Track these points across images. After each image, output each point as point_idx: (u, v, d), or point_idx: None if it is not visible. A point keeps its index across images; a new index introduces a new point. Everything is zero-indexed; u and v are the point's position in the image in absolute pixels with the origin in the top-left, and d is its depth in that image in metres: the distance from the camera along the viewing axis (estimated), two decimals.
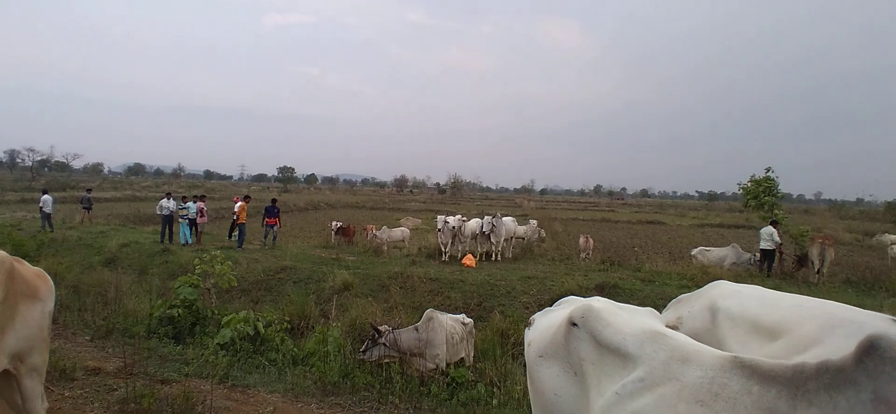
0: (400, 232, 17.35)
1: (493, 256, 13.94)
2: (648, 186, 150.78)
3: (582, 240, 15.52)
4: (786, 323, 2.08)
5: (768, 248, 12.41)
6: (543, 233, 17.76)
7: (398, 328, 5.35)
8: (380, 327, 5.33)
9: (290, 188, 74.05)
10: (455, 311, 7.05)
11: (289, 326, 6.91)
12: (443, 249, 13.56)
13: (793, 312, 2.12)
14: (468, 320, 5.72)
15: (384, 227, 17.64)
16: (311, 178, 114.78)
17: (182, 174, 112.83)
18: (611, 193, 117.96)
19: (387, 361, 5.15)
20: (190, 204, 15.42)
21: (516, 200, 66.87)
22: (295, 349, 6.20)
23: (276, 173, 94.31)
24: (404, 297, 9.26)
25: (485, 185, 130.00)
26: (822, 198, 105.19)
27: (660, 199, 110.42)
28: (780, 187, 13.93)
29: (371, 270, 11.10)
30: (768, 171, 13.97)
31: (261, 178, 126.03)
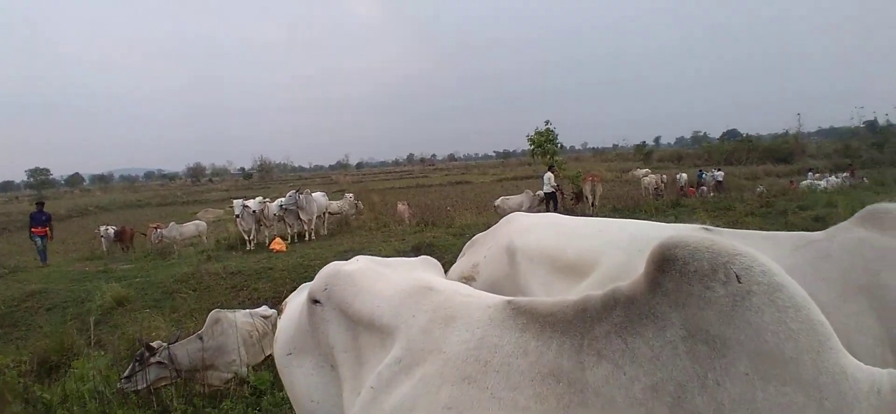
0: (193, 227, 15.07)
1: (307, 235, 13.01)
2: (455, 151, 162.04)
3: (400, 206, 15.62)
4: (590, 255, 1.80)
5: (549, 191, 14.13)
6: (361, 205, 17.34)
7: (178, 340, 4.35)
8: (152, 344, 4.26)
9: (48, 194, 59.18)
10: (261, 304, 6.21)
11: (38, 367, 5.31)
12: (246, 238, 12.12)
13: (594, 240, 1.86)
14: (270, 312, 4.96)
15: (172, 223, 15.11)
16: (74, 179, 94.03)
17: None
18: (423, 160, 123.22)
19: (165, 384, 4.13)
20: None
21: (332, 177, 65.03)
22: (46, 395, 4.70)
23: (26, 178, 74.77)
24: (199, 300, 7.89)
25: (297, 165, 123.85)
26: (588, 147, 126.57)
27: (465, 162, 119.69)
28: (558, 139, 15.96)
29: (153, 277, 9.28)
30: (548, 123, 15.89)
31: (7, 186, 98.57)
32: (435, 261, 1.92)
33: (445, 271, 2.13)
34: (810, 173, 20.77)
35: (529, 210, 14.41)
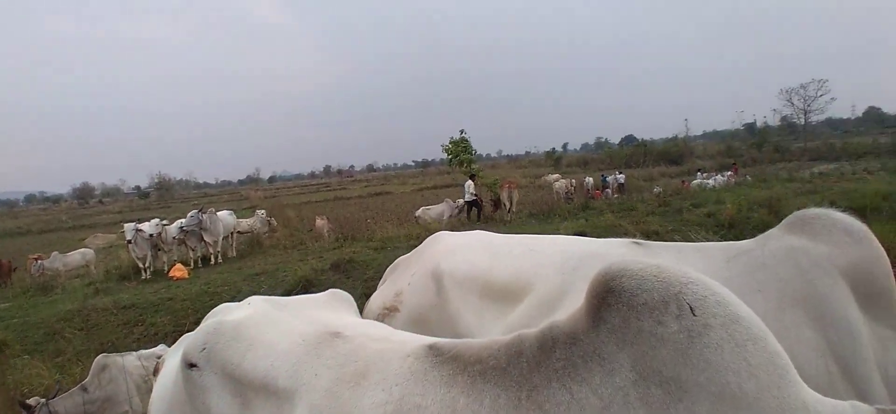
0: (80, 256, 13.47)
1: (212, 259, 12.07)
2: (374, 161, 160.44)
3: (319, 222, 15.07)
4: (523, 276, 1.69)
5: (470, 198, 14.32)
6: (274, 222, 16.46)
7: (59, 393, 3.78)
8: (28, 401, 3.69)
9: None
10: (159, 341, 5.63)
11: None
12: (141, 266, 10.98)
13: (526, 260, 1.74)
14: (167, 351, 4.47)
15: (55, 253, 13.38)
16: None
17: None
18: (340, 171, 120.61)
19: None
20: None
21: (242, 193, 61.46)
22: None
23: None
24: (87, 341, 7.00)
25: (202, 181, 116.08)
26: (502, 154, 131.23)
27: (385, 172, 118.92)
28: (473, 147, 16.24)
29: (33, 316, 8.13)
30: (462, 132, 16.13)
31: None
32: (345, 294, 1.69)
33: (363, 303, 1.96)
34: (699, 173, 22.94)
35: (450, 219, 14.53)
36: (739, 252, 1.61)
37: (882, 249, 1.56)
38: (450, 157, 16.27)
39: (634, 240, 1.66)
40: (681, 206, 11.40)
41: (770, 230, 1.69)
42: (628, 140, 62.11)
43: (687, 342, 0.82)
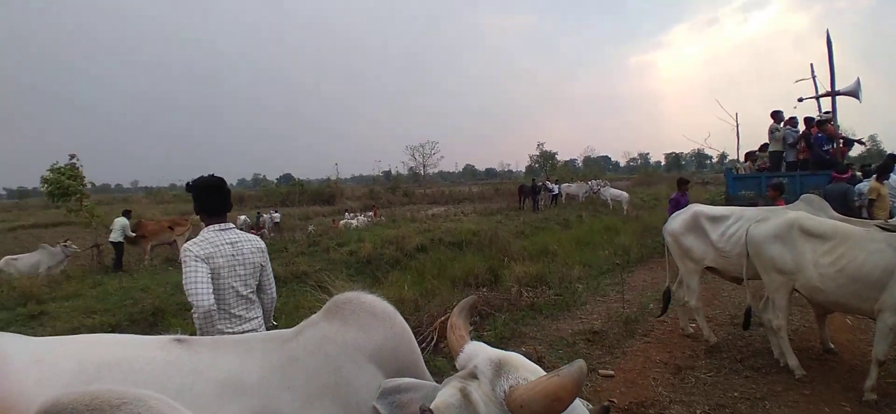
0: None
1: None
2: None
3: None
4: (20, 402, 1.19)
5: (117, 240, 11.91)
6: None
7: None
8: None
9: None
10: None
11: None
12: None
13: (29, 375, 1.24)
14: None
15: None
16: None
17: None
18: None
19: None
20: None
21: None
22: None
23: None
24: None
25: None
26: (139, 185, 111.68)
27: None
28: (85, 176, 13.07)
29: None
30: (73, 158, 12.81)
31: None
32: None
33: None
34: (347, 213, 25.20)
35: (50, 271, 11.19)
36: (278, 344, 1.52)
37: (405, 323, 1.70)
38: (50, 189, 12.54)
39: (177, 337, 1.41)
40: (328, 245, 12.18)
41: (312, 316, 1.68)
42: (286, 179, 63.15)
43: None
